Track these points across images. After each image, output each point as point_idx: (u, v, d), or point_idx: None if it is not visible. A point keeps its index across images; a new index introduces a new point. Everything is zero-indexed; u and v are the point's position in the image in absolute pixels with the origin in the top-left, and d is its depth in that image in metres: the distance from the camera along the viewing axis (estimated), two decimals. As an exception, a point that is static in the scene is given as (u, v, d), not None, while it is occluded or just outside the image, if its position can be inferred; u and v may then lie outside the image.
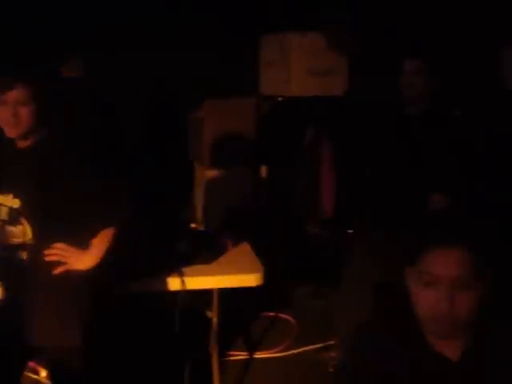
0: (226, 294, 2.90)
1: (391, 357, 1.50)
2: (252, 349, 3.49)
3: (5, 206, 2.38)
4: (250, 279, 2.71)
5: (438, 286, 1.39)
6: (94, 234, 2.38)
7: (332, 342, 3.31)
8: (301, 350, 3.47)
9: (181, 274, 2.68)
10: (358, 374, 1.53)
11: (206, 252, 2.93)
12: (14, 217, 2.38)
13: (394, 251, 1.64)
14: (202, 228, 4.11)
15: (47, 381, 2.19)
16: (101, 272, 2.37)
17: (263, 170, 4.58)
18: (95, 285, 2.35)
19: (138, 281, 2.63)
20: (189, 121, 4.82)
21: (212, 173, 4.56)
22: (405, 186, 2.78)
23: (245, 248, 3.03)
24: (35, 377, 2.19)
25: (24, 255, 2.41)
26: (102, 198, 2.37)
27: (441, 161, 2.68)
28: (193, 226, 4.35)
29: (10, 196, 2.37)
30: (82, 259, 2.36)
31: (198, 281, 2.71)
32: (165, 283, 2.67)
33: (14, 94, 2.26)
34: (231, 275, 2.73)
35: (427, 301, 1.41)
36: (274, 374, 3.28)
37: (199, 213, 4.51)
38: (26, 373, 2.20)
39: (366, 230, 2.96)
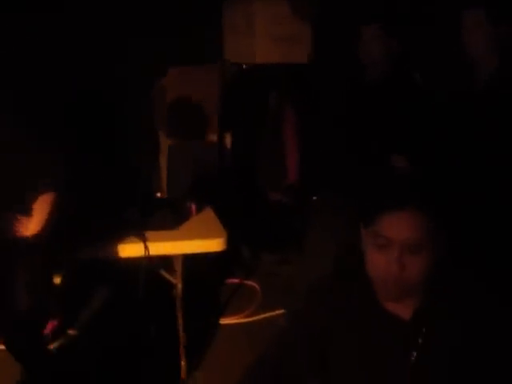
0: (190, 260, 2.91)
1: (340, 314, 1.52)
2: (217, 315, 3.52)
3: None
4: (212, 244, 2.71)
5: (389, 249, 1.40)
6: (34, 200, 2.38)
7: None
8: (266, 315, 3.51)
9: (143, 240, 2.67)
10: (297, 329, 1.56)
11: (169, 218, 2.93)
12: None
13: (355, 214, 1.66)
14: (166, 196, 4.10)
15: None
16: (48, 238, 2.37)
17: (227, 137, 4.56)
18: (44, 251, 2.34)
19: (92, 246, 2.63)
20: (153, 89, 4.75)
21: (175, 141, 4.52)
22: (366, 150, 2.79)
23: (208, 214, 3.03)
24: None
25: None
26: (35, 161, 2.35)
27: (399, 124, 2.70)
28: (158, 195, 4.35)
29: None
30: (26, 226, 2.35)
31: (161, 246, 2.70)
32: (126, 249, 2.66)
33: None
34: (194, 240, 2.72)
35: (378, 263, 1.42)
36: (239, 340, 3.31)
37: (163, 181, 4.48)
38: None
39: (330, 195, 2.98)
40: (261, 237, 4.18)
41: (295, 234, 3.69)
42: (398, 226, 1.39)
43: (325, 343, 1.52)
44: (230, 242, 2.79)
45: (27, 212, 2.37)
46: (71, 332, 3.54)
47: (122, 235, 2.70)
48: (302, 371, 1.52)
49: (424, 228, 1.39)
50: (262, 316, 3.52)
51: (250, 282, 3.95)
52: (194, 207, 3.01)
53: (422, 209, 1.39)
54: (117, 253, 2.67)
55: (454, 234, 1.49)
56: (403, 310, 1.49)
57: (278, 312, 3.51)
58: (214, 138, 4.57)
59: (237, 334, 3.39)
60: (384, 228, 1.41)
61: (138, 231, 2.70)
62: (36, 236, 2.35)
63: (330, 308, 1.53)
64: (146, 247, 2.65)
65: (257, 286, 3.89)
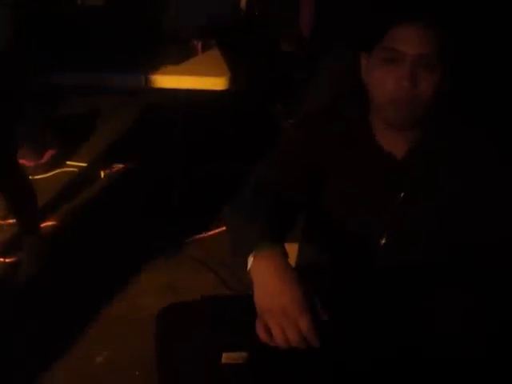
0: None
1: (333, 147, 1.49)
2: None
3: None
4: (215, 82, 2.66)
5: (399, 64, 1.33)
6: None
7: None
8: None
9: (145, 72, 2.63)
10: (291, 151, 1.52)
11: (174, 54, 2.86)
12: None
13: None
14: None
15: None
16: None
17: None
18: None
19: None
20: None
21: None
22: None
23: (214, 53, 2.96)
24: None
25: None
26: None
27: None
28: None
29: None
30: None
31: (163, 79, 2.66)
32: (130, 79, 2.63)
33: None
34: (196, 76, 2.67)
35: (387, 81, 1.35)
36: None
37: (175, 22, 4.35)
38: None
39: (337, 49, 2.88)
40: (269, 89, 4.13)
41: (300, 86, 3.62)
42: (411, 40, 1.31)
43: (317, 171, 1.49)
44: (235, 84, 2.74)
45: None
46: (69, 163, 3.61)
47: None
48: (299, 196, 1.48)
49: (437, 44, 1.31)
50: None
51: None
52: (200, 45, 2.94)
53: (436, 22, 1.31)
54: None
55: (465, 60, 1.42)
56: (398, 148, 1.45)
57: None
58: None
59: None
60: (396, 41, 1.33)
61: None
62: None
63: (322, 138, 1.49)
64: (147, 79, 2.61)
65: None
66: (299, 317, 1.11)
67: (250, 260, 1.20)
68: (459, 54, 1.38)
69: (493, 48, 2.39)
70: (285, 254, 1.21)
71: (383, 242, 1.50)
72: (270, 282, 1.16)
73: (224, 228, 2.81)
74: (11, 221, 2.94)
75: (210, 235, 3.01)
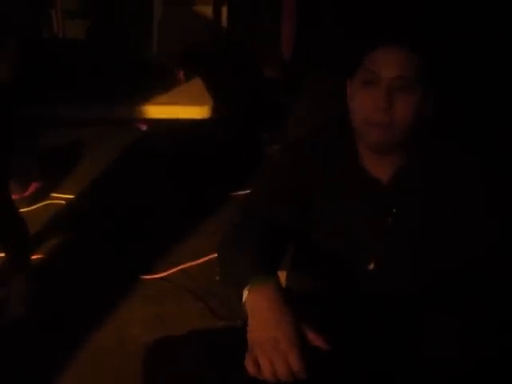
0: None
1: (318, 171, 1.49)
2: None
3: None
4: (197, 111, 2.68)
5: (377, 86, 1.35)
6: None
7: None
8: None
9: (128, 103, 2.64)
10: (277, 181, 1.51)
11: (156, 84, 2.88)
12: None
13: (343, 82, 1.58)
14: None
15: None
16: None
17: (224, 10, 4.42)
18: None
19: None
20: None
21: (171, 11, 4.37)
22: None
23: (196, 81, 2.97)
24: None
25: None
26: None
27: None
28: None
29: None
30: None
31: (146, 110, 2.66)
32: (114, 111, 2.63)
33: None
34: (178, 106, 2.68)
35: (365, 102, 1.37)
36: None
37: (155, 48, 4.37)
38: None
39: (318, 76, 2.89)
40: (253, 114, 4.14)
41: (284, 111, 3.64)
42: (388, 62, 1.34)
43: (305, 197, 1.49)
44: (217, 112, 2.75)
45: None
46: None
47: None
48: (288, 223, 1.47)
49: (414, 67, 1.34)
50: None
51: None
52: (182, 74, 2.95)
53: (414, 46, 1.34)
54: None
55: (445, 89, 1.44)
56: (383, 172, 1.46)
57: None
58: (210, 8, 4.42)
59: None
60: (374, 64, 1.36)
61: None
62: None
63: (308, 164, 1.49)
64: (132, 110, 2.62)
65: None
66: (290, 351, 1.11)
67: (245, 293, 1.20)
68: (441, 77, 1.39)
69: (476, 72, 2.41)
70: (279, 287, 1.21)
71: (371, 267, 1.49)
72: (264, 315, 1.16)
73: (211, 256, 2.81)
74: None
75: (197, 264, 2.99)
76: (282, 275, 1.75)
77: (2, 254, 2.83)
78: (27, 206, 3.45)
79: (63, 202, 3.56)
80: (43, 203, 3.53)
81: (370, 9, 2.36)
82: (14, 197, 3.35)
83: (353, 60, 1.42)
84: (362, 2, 2.41)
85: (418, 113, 1.37)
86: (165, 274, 2.92)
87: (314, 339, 1.14)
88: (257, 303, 1.18)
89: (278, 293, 1.19)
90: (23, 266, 2.71)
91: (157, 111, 2.68)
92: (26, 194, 3.51)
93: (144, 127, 3.76)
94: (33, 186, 3.55)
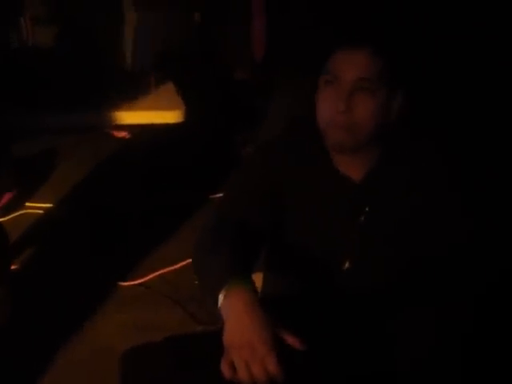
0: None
1: (290, 172, 1.49)
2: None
3: None
4: (169, 116, 2.67)
5: (338, 88, 1.37)
6: None
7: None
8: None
9: (99, 110, 2.62)
10: (249, 183, 1.51)
11: (128, 89, 2.86)
12: None
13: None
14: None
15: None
16: None
17: (196, 15, 4.41)
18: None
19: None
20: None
21: (143, 16, 4.34)
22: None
23: (167, 85, 2.96)
24: None
25: None
26: None
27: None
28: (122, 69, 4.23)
29: None
30: None
31: (118, 116, 2.65)
32: (81, 118, 2.61)
33: None
34: (151, 111, 2.67)
35: (326, 104, 1.39)
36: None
37: (128, 56, 4.35)
38: None
39: (292, 75, 2.90)
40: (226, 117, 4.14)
41: (257, 113, 3.64)
42: (349, 65, 1.36)
43: (277, 198, 1.49)
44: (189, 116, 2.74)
45: None
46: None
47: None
48: (261, 224, 1.47)
49: (376, 71, 1.35)
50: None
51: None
52: (153, 78, 2.95)
53: (377, 50, 1.36)
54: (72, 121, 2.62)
55: (411, 97, 1.45)
56: (355, 172, 1.47)
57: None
58: (183, 15, 4.40)
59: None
60: (335, 65, 1.38)
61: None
62: None
63: (280, 165, 1.50)
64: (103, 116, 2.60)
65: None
66: (266, 354, 1.11)
67: (221, 297, 1.20)
68: (407, 77, 1.41)
69: (444, 69, 2.43)
70: (254, 290, 1.21)
71: (346, 266, 1.50)
72: (240, 319, 1.16)
73: (189, 261, 2.79)
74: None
75: (176, 269, 2.98)
76: (259, 277, 1.76)
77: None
78: (1, 216, 3.41)
79: (38, 211, 3.53)
80: (18, 213, 3.49)
81: (332, 11, 2.40)
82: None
83: (319, 61, 1.42)
84: (325, 4, 2.43)
85: (383, 113, 1.38)
86: (142, 280, 2.90)
87: (290, 341, 1.14)
88: (232, 307, 1.18)
89: (253, 296, 1.19)
90: (3, 276, 2.66)
91: (130, 117, 2.66)
92: (0, 204, 3.48)
93: (118, 134, 3.74)
94: (6, 196, 3.52)
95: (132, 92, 2.82)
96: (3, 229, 2.61)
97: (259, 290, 1.72)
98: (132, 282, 2.88)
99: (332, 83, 1.38)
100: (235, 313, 1.17)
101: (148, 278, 2.92)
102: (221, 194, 3.26)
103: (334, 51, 1.39)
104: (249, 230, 1.40)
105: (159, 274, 2.96)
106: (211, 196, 3.52)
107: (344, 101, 1.35)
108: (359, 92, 1.35)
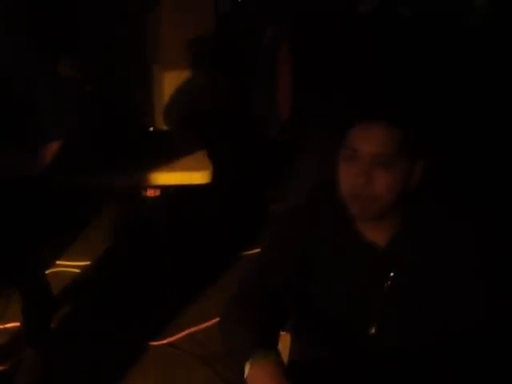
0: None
1: (315, 239, 1.51)
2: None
3: None
4: (196, 177, 2.70)
5: (357, 162, 1.39)
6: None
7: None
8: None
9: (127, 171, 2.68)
10: (275, 251, 1.53)
11: (154, 151, 2.92)
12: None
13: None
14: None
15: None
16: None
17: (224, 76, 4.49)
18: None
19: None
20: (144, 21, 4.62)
21: (172, 74, 4.43)
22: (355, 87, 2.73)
23: (195, 147, 3.01)
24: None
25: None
26: (49, 110, 2.23)
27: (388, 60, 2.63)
28: (150, 129, 4.31)
29: None
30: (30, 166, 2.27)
31: (145, 177, 2.69)
32: (111, 179, 2.67)
33: None
34: (178, 172, 2.71)
35: (347, 177, 1.42)
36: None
37: (159, 115, 4.43)
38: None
39: (317, 135, 2.94)
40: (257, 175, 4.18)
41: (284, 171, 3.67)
42: (368, 139, 1.38)
43: (303, 266, 1.51)
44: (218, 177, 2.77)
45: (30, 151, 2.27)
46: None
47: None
48: (287, 293, 1.49)
49: (394, 144, 1.37)
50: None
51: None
52: (181, 137, 3.00)
53: (393, 124, 1.37)
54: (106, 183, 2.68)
55: (433, 161, 1.47)
56: (379, 237, 1.48)
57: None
58: (210, 72, 4.49)
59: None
60: (354, 141, 1.40)
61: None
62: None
63: (305, 232, 1.52)
64: (131, 177, 2.66)
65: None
66: None
67: (247, 368, 1.22)
68: (427, 146, 1.42)
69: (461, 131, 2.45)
70: (279, 362, 1.23)
71: (372, 331, 1.50)
72: None
73: (215, 320, 2.79)
74: (9, 325, 2.91)
75: (202, 328, 2.97)
76: (287, 338, 1.76)
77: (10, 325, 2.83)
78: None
79: (68, 269, 3.56)
80: (48, 271, 3.53)
81: (349, 87, 2.45)
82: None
83: (344, 125, 1.45)
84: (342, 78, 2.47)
85: (404, 183, 1.40)
86: (172, 339, 2.90)
87: None
88: (258, 378, 1.20)
89: (279, 368, 1.21)
90: (40, 340, 2.67)
91: (158, 178, 2.70)
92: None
93: (148, 192, 3.79)
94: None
95: (159, 152, 2.86)
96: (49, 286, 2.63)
97: (287, 350, 1.74)
98: (162, 342, 2.88)
99: (352, 157, 1.41)
100: None
101: (177, 337, 2.92)
102: (251, 251, 3.36)
103: (353, 124, 1.41)
104: (275, 298, 1.42)
105: (188, 333, 2.95)
106: (240, 253, 3.53)
107: (363, 175, 1.38)
108: (377, 167, 1.38)
